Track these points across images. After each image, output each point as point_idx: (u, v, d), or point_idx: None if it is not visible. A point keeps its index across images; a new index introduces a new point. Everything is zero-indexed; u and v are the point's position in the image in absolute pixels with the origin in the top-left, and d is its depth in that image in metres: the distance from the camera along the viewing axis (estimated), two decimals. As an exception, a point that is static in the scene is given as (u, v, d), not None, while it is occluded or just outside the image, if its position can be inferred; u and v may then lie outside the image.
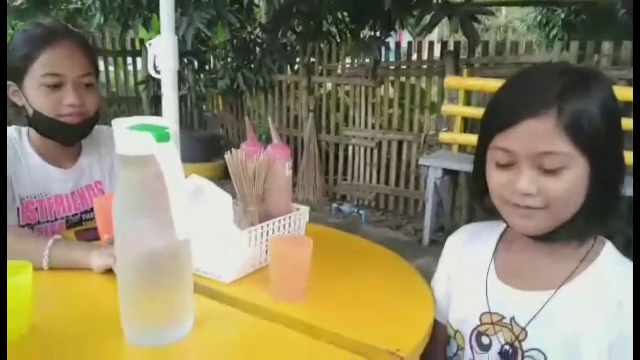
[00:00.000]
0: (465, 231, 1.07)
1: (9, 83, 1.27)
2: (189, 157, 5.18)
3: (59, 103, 1.24)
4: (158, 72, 0.91)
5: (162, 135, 0.72)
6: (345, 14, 5.09)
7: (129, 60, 5.88)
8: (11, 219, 1.23)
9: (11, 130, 1.32)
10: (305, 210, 1.17)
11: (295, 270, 0.93)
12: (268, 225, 1.06)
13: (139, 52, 5.60)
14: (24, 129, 1.34)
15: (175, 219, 0.71)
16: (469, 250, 1.01)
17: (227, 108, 5.93)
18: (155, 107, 5.81)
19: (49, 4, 7.64)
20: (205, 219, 0.99)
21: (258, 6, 5.16)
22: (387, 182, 4.65)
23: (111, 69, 6.32)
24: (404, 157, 4.50)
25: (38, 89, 1.23)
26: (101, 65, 6.30)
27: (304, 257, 0.93)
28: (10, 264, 0.82)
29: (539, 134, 0.78)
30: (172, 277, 0.78)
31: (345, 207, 4.54)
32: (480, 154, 0.89)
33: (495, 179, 0.85)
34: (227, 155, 1.07)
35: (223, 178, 4.86)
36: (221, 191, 1.01)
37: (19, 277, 0.80)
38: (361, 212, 4.40)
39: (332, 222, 4.29)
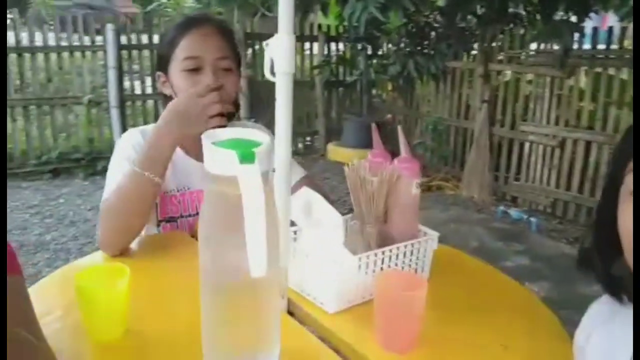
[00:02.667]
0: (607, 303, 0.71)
1: (158, 73, 1.32)
2: (355, 142, 5.29)
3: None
4: (273, 75, 0.82)
5: (246, 155, 0.63)
6: (535, -7, 4.54)
7: (306, 45, 6.06)
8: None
9: None
10: (433, 236, 1.00)
11: (404, 317, 0.78)
12: (383, 252, 0.92)
13: (316, 37, 5.74)
14: None
15: (250, 253, 0.61)
16: (606, 330, 0.69)
17: (396, 94, 5.79)
18: (328, 92, 5.94)
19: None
20: (312, 239, 0.89)
21: (436, -12, 4.87)
22: (568, 187, 4.07)
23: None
24: (592, 159, 3.88)
25: (180, 74, 1.25)
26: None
27: (415, 302, 0.77)
28: (108, 267, 0.83)
29: None
30: (253, 310, 0.70)
31: (514, 211, 4.09)
32: (611, 191, 0.61)
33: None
34: (346, 169, 0.95)
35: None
36: (332, 209, 0.90)
37: (117, 281, 0.80)
38: (532, 218, 3.92)
39: (496, 226, 3.91)
